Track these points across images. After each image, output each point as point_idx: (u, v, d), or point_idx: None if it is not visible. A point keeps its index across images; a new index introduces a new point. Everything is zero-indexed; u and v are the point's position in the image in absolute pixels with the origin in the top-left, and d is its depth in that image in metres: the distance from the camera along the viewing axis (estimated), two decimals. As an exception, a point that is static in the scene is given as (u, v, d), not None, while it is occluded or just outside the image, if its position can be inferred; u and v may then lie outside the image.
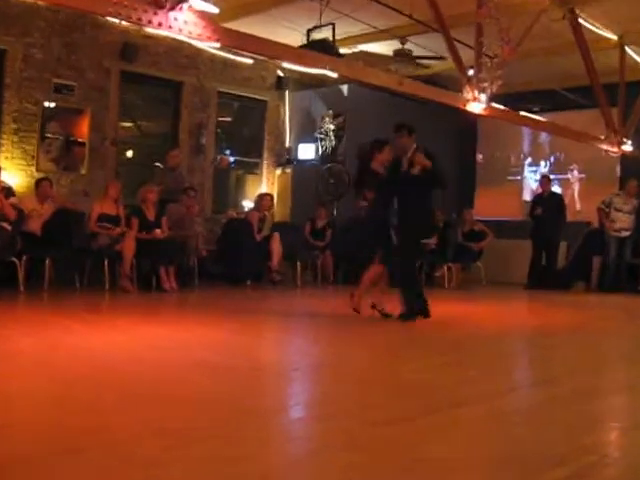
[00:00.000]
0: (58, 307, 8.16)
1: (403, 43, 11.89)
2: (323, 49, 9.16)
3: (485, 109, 9.67)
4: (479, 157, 15.58)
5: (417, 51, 12.12)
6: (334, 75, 9.57)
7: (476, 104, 9.55)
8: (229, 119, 13.94)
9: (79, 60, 11.13)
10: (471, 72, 9.50)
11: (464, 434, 3.41)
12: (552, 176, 13.94)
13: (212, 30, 6.64)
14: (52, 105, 10.88)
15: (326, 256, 12.37)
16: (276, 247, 11.41)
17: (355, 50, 12.35)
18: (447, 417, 3.67)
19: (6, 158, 10.41)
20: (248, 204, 13.30)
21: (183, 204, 10.81)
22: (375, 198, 7.68)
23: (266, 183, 13.84)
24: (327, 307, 9.51)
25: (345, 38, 11.60)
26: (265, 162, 13.89)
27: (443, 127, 14.45)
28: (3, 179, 9.57)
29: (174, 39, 11.22)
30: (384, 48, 12.32)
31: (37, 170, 10.67)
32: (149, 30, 10.79)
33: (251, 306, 9.07)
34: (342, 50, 11.68)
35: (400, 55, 12.04)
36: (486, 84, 9.39)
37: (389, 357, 5.55)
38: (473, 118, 12.47)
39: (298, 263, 11.91)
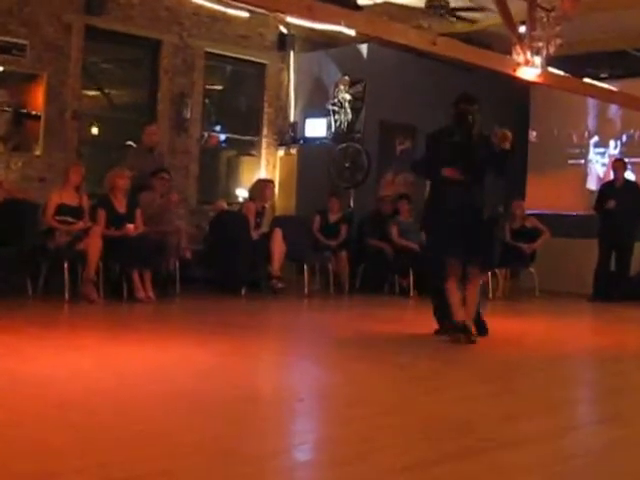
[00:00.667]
0: (3, 320, 8.14)
1: (437, -9, 11.88)
2: (337, 0, 9.15)
3: (540, 75, 9.64)
4: (532, 135, 15.51)
5: (454, 2, 12.09)
6: (351, 32, 9.58)
7: (529, 69, 9.52)
8: (219, 87, 13.94)
9: (33, 13, 11.13)
10: (523, 29, 9.47)
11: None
12: (626, 159, 13.87)
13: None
14: (-1, 69, 10.92)
15: (340, 258, 12.35)
16: (277, 247, 11.40)
17: (377, 1, 12.32)
18: (487, 462, 3.64)
19: (-58, 135, 10.45)
20: (243, 193, 13.29)
21: (156, 191, 10.80)
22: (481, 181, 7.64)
23: (265, 167, 13.84)
24: (341, 322, 9.50)
25: (365, -15, 11.61)
26: (264, 141, 13.88)
27: (487, 97, 14.36)
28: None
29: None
30: (413, -2, 12.30)
31: (-20, 151, 10.71)
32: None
33: (246, 321, 9.05)
34: (360, 1, 11.67)
35: (433, 7, 12.01)
36: (541, 44, 9.36)
37: (417, 386, 5.52)
38: (525, 86, 12.45)
39: (305, 267, 11.89)
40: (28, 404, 4.41)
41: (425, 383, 5.67)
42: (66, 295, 9.49)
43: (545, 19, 9.30)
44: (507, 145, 7.53)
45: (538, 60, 9.45)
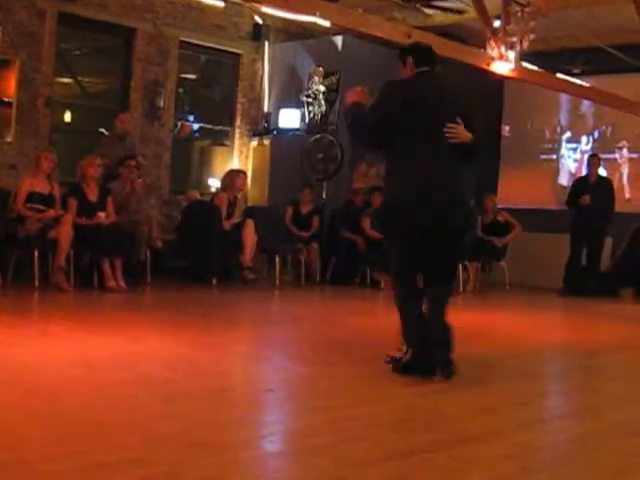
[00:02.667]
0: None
1: (413, -15, 11.89)
2: (312, -10, 9.13)
3: (514, 70, 9.66)
4: (505, 130, 15.55)
5: (430, -5, 12.10)
6: (326, 24, 9.55)
7: (503, 63, 9.54)
8: (193, 76, 13.89)
9: (6, -1, 11.05)
10: (497, 23, 9.48)
11: (475, 477, 3.38)
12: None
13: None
14: (-31, 54, 10.83)
15: (312, 249, 12.35)
16: (249, 237, 11.37)
17: (352, -7, 12.31)
18: (459, 454, 3.65)
19: None
20: (215, 183, 13.25)
21: (125, 179, 10.73)
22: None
23: (238, 157, 13.80)
24: (312, 313, 9.49)
25: (340, -23, 11.57)
26: (237, 131, 13.85)
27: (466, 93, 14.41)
28: None
29: (126, -26, 11.26)
30: (389, -9, 12.29)
31: (-50, 136, 10.62)
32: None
33: (217, 311, 9.03)
34: (337, -8, 11.64)
35: (408, 0, 12.02)
36: (515, 39, 9.38)
37: (388, 379, 5.50)
38: (498, 81, 12.47)
39: (277, 258, 11.88)
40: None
41: (396, 376, 5.65)
42: (36, 283, 9.43)
43: (520, 14, 9.33)
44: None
45: (512, 55, 9.48)
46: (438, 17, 12.69)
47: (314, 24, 11.95)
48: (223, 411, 4.34)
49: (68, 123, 12.49)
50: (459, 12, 11.92)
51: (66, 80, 12.41)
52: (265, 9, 12.07)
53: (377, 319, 9.27)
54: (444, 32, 11.77)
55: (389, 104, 5.61)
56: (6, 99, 11.10)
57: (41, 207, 9.80)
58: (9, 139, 11.14)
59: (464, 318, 8.03)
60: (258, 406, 4.64)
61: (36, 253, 9.51)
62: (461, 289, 12.45)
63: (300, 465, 3.45)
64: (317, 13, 8.35)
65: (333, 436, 3.86)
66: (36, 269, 9.49)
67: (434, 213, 5.36)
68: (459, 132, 5.47)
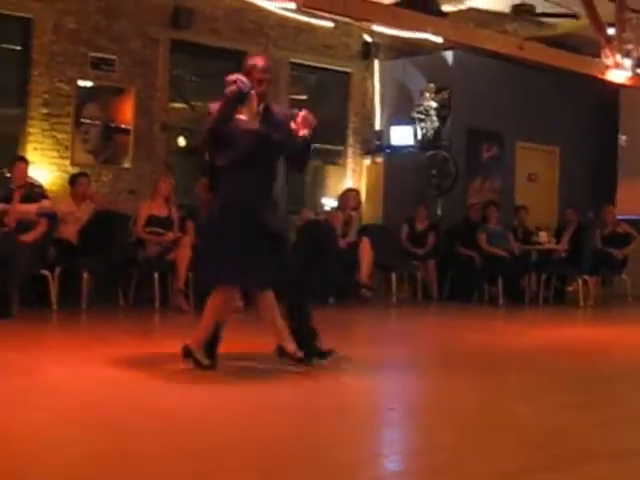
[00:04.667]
0: (97, 330, 8.30)
1: (522, -4, 11.78)
2: (422, 7, 9.13)
3: (630, 78, 9.49)
4: (622, 139, 15.24)
5: (541, 6, 11.96)
6: (437, 39, 9.52)
7: (618, 72, 9.38)
8: (304, 97, 13.98)
9: (121, 29, 11.32)
10: (611, 31, 9.33)
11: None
12: None
13: (285, -14, 6.68)
14: (89, 84, 11.11)
15: (428, 266, 12.31)
16: (365, 256, 11.37)
17: (461, 7, 12.26)
18: (580, 474, 3.59)
19: (35, 149, 10.66)
20: (329, 202, 13.31)
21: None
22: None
23: (351, 176, 13.84)
24: (430, 331, 9.44)
25: (449, -8, 11.56)
26: (350, 150, 13.90)
27: (575, 101, 14.23)
28: (32, 175, 9.79)
29: (236, 0, 11.42)
30: (498, 3, 12.19)
31: (72, 164, 10.90)
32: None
33: (334, 329, 9.01)
34: (445, 7, 11.62)
35: (519, 11, 11.92)
36: (631, 46, 9.21)
37: (506, 395, 5.46)
38: (614, 89, 12.25)
39: (393, 275, 11.86)
40: (118, 411, 4.50)
41: (515, 392, 5.60)
42: (157, 305, 9.62)
43: (634, 21, 9.16)
44: (303, 131, 6.07)
45: (628, 62, 9.31)
46: (550, 27, 12.53)
47: (423, 40, 11.93)
48: (344, 429, 4.35)
49: (183, 147, 12.70)
50: (573, 16, 11.73)
51: (180, 105, 12.63)
52: (376, 27, 12.10)
53: (495, 335, 9.18)
54: (556, 42, 11.64)
55: None
56: (124, 126, 11.37)
57: (160, 230, 10.01)
58: (127, 165, 11.41)
59: (584, 333, 7.93)
60: (379, 424, 4.64)
61: (156, 275, 9.71)
62: (581, 303, 12.24)
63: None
64: (428, 29, 8.34)
65: (452, 454, 3.83)
66: (156, 291, 9.68)
67: None
68: None
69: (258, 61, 5.94)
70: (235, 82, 5.70)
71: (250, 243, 5.80)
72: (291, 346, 5.86)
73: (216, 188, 6.18)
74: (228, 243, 5.81)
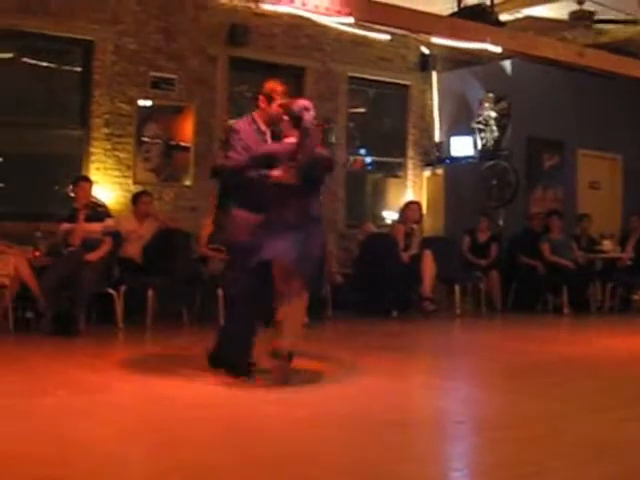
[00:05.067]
0: (162, 347, 8.35)
1: (581, 2, 11.63)
2: (480, 17, 9.09)
3: (693, 82, 9.36)
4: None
5: (600, 12, 11.84)
6: (496, 49, 9.46)
7: (681, 77, 9.25)
8: (363, 110, 13.99)
9: (179, 48, 11.43)
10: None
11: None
12: None
13: (342, 1, 6.68)
14: (149, 103, 11.22)
15: (491, 277, 12.23)
16: (428, 268, 11.32)
17: (518, 16, 12.17)
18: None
19: (97, 169, 10.79)
20: (390, 215, 13.29)
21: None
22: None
23: (412, 188, 13.81)
24: (495, 342, 9.37)
25: (505, 1, 11.45)
26: (410, 162, 13.86)
27: (637, 108, 14.06)
28: (95, 195, 9.90)
29: (292, 16, 11.48)
30: (556, 10, 12.08)
31: (134, 183, 11.01)
32: (263, 7, 11.10)
33: (399, 343, 9.02)
34: (502, 17, 11.54)
35: (578, 19, 11.79)
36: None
37: (578, 406, 5.39)
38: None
39: (456, 287, 11.80)
40: (188, 428, 4.51)
41: (586, 403, 5.53)
42: (221, 322, 9.64)
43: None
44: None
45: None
46: (609, 34, 12.40)
47: (482, 50, 11.87)
48: (413, 444, 4.33)
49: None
50: (634, 22, 11.58)
51: (239, 122, 12.69)
52: (433, 39, 12.07)
53: (561, 345, 9.09)
54: (617, 48, 11.52)
55: None
56: (184, 144, 11.46)
57: (223, 248, 10.04)
58: (188, 182, 11.48)
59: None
60: (449, 438, 4.61)
61: (220, 292, 9.74)
62: None
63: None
64: (487, 39, 8.31)
65: (526, 468, 3.79)
66: (220, 308, 9.71)
67: None
68: None
69: (277, 86, 6.44)
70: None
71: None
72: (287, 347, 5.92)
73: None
74: None
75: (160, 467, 3.72)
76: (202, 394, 5.59)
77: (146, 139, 11.18)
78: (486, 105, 13.26)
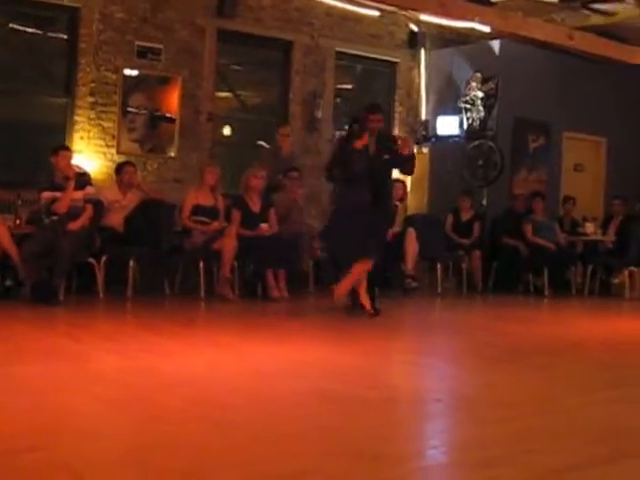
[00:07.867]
0: (144, 318, 8.34)
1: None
2: (470, -4, 9.05)
3: (681, 67, 9.35)
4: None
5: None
6: (485, 29, 9.43)
7: (669, 61, 9.24)
8: (350, 86, 13.95)
9: (167, 18, 11.34)
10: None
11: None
12: None
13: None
14: (135, 73, 11.15)
15: (474, 257, 12.23)
16: (411, 246, 11.33)
17: (509, -4, 12.13)
18: (637, 467, 3.53)
19: (81, 138, 10.72)
20: (374, 192, 13.27)
21: (287, 191, 10.87)
22: None
23: (397, 166, 13.77)
24: (476, 322, 9.39)
25: (496, -19, 11.42)
26: (395, 139, 13.82)
27: (627, 93, 14.06)
28: (77, 164, 9.83)
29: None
30: (546, -8, 12.05)
31: (118, 152, 10.95)
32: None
33: (379, 320, 9.00)
34: (492, -3, 11.51)
35: (568, 0, 11.76)
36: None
37: (559, 387, 5.40)
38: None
39: (438, 266, 11.81)
40: (171, 401, 4.48)
41: (568, 384, 5.54)
42: (202, 293, 9.64)
43: (686, 9, 9.02)
44: (407, 151, 8.54)
45: (679, 52, 9.17)
46: (598, 18, 12.37)
47: (470, 30, 11.85)
48: (391, 421, 4.32)
49: (228, 137, 12.72)
50: (617, 9, 11.56)
51: (225, 95, 12.65)
52: (423, 17, 12.03)
53: (541, 326, 9.10)
54: (604, 32, 11.50)
55: None
56: (170, 115, 11.40)
57: (206, 219, 10.02)
58: (173, 154, 11.44)
59: (629, 325, 7.83)
60: (427, 416, 4.60)
61: (201, 264, 9.72)
62: (627, 295, 12.14)
63: (477, 476, 3.39)
64: (476, 18, 8.27)
65: (506, 447, 3.78)
66: (202, 280, 9.70)
67: None
68: None
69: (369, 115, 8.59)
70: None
71: (362, 232, 8.29)
72: (368, 304, 8.58)
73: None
74: (353, 233, 8.32)
75: (147, 439, 3.69)
76: (184, 366, 5.57)
77: (131, 109, 11.11)
78: (473, 85, 13.25)
